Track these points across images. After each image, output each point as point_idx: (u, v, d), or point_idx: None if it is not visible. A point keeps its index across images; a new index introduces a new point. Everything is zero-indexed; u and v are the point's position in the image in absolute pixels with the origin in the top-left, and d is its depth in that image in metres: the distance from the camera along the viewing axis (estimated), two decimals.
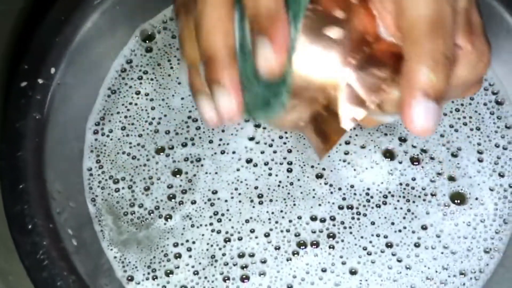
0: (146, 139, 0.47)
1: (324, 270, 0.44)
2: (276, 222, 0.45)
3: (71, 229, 0.44)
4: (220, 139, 0.46)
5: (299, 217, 0.45)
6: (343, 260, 0.44)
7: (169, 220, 0.45)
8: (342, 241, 0.44)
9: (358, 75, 0.32)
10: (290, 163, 0.46)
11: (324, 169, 0.46)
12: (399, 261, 0.44)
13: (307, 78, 0.32)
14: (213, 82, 0.33)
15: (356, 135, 0.46)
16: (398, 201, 0.45)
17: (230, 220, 0.45)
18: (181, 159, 0.46)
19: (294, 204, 0.45)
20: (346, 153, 0.46)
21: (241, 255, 0.44)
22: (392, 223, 0.45)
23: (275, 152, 0.46)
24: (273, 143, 0.46)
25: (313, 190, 0.45)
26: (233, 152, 0.46)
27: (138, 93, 0.48)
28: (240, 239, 0.45)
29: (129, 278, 0.44)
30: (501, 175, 0.46)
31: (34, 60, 0.45)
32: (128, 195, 0.46)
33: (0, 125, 0.45)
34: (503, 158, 0.46)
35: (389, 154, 0.46)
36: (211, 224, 0.45)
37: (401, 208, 0.45)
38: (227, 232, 0.45)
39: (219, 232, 0.45)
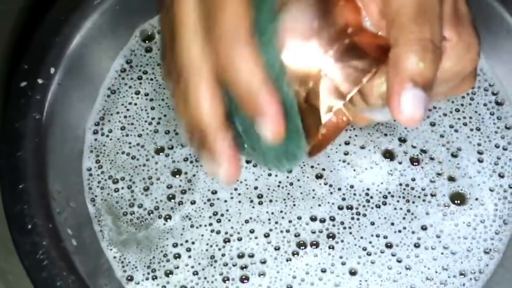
0: (146, 139, 0.47)
1: (324, 271, 0.44)
2: (276, 223, 0.45)
3: (70, 229, 0.43)
4: None
5: (299, 218, 0.45)
6: (343, 261, 0.44)
7: (168, 220, 0.45)
8: (342, 241, 0.44)
9: (337, 66, 0.32)
10: None
11: (323, 169, 0.46)
12: (399, 261, 0.44)
13: (287, 69, 0.32)
14: (208, 152, 0.33)
15: (356, 135, 0.46)
16: (398, 201, 0.45)
17: (229, 220, 0.45)
18: (180, 159, 0.46)
19: (294, 205, 0.45)
20: (346, 154, 0.46)
21: (241, 256, 0.44)
22: (392, 224, 0.45)
23: None
24: None
25: (313, 190, 0.45)
26: None
27: (137, 93, 0.48)
28: (239, 239, 0.44)
29: (129, 278, 0.44)
30: (501, 176, 0.46)
31: (34, 60, 0.45)
32: (128, 195, 0.46)
33: (0, 125, 0.45)
34: (503, 159, 0.46)
35: (388, 155, 0.46)
36: (210, 224, 0.45)
37: (401, 209, 0.45)
38: (226, 233, 0.45)
39: (218, 232, 0.45)
